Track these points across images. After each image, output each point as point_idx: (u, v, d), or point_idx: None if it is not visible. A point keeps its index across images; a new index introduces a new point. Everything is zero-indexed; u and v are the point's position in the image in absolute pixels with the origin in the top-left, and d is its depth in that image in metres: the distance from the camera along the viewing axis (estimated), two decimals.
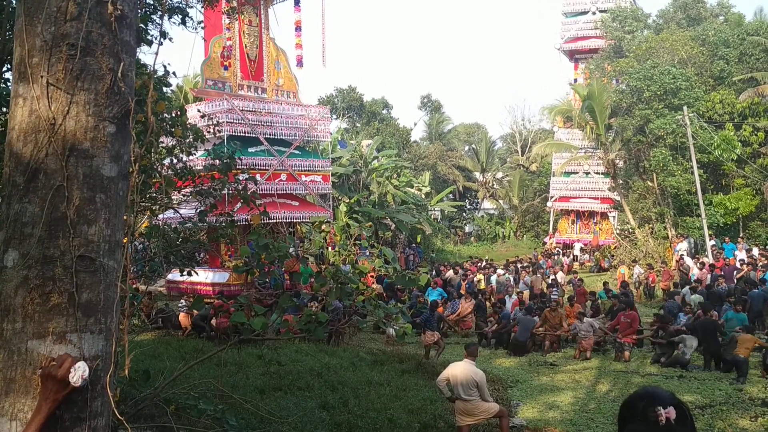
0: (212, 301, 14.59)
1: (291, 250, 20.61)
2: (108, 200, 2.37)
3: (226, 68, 20.97)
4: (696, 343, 13.55)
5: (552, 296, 20.31)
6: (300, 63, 22.39)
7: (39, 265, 2.24)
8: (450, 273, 25.07)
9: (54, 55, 2.28)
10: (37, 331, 2.24)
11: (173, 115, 7.45)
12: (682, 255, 24.59)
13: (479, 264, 29.19)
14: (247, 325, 5.55)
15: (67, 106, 2.28)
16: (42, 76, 2.26)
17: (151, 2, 6.85)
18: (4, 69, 6.40)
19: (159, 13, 6.66)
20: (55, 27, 2.28)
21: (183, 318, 16.40)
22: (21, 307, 2.23)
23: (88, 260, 2.30)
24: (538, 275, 24.34)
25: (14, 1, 6.40)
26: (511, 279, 23.97)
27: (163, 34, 6.20)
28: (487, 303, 20.57)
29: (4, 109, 6.08)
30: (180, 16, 7.33)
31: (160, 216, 10.36)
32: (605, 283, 20.98)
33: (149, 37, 6.92)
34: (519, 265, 27.73)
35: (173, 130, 7.22)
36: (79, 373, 2.20)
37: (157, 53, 3.07)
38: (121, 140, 2.42)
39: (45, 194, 2.26)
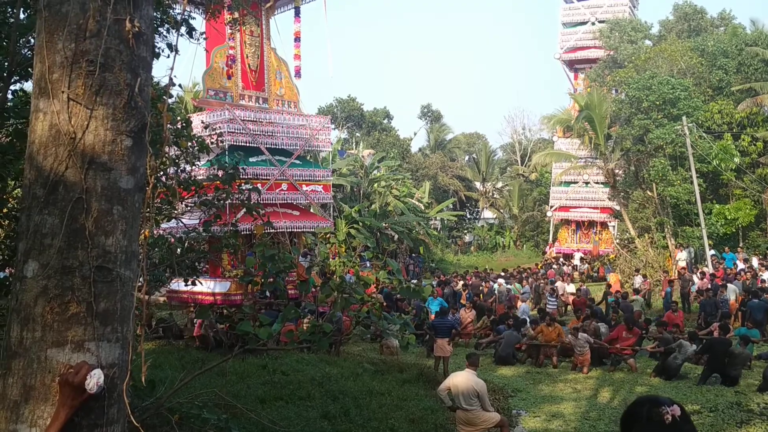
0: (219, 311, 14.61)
1: (305, 260, 20.62)
2: (125, 212, 2.43)
3: (230, 77, 21.08)
4: (691, 350, 13.53)
5: (548, 307, 20.28)
6: (298, 74, 22.50)
7: (58, 275, 2.30)
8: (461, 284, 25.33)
9: (74, 71, 2.34)
10: (56, 339, 2.29)
11: (179, 126, 7.52)
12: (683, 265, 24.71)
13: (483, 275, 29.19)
14: (252, 335, 5.59)
15: (87, 120, 2.35)
16: (63, 92, 2.33)
17: (158, 15, 6.93)
18: (12, 80, 6.46)
19: (167, 26, 6.74)
20: (75, 44, 2.35)
21: (197, 331, 16.42)
22: (40, 316, 2.29)
23: (106, 270, 2.36)
24: (543, 283, 24.43)
25: (21, 14, 6.47)
26: (512, 289, 23.95)
27: (171, 47, 6.28)
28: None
29: (12, 121, 6.14)
30: (186, 28, 7.44)
31: (163, 225, 10.41)
32: (607, 293, 21.05)
33: (156, 50, 6.99)
34: (523, 275, 27.77)
35: (178, 141, 7.30)
36: (94, 380, 2.26)
37: (172, 68, 3.12)
38: (137, 153, 2.49)
39: (64, 206, 2.32)
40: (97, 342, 2.33)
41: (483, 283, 25.39)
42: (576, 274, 31.69)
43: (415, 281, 26.00)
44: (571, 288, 23.86)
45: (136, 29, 2.43)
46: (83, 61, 2.35)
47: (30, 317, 2.30)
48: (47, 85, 2.35)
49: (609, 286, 23.34)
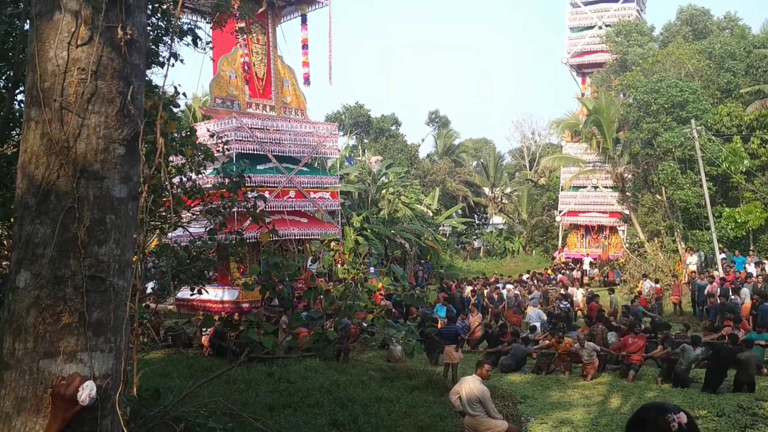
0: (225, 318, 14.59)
1: (314, 267, 20.56)
2: (118, 221, 2.41)
3: (248, 82, 21.21)
4: (694, 355, 13.34)
5: (561, 305, 20.33)
6: (307, 81, 22.55)
7: (50, 285, 2.28)
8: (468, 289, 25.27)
9: (66, 79, 2.32)
10: (49, 350, 2.27)
11: (183, 134, 7.53)
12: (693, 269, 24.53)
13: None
14: (257, 343, 5.55)
15: (79, 129, 2.33)
16: (55, 100, 2.31)
17: (163, 24, 6.94)
18: (18, 91, 6.48)
19: (170, 35, 6.75)
20: (67, 52, 2.33)
21: (206, 341, 16.48)
22: (32, 326, 2.27)
23: (99, 280, 2.33)
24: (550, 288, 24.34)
25: (27, 25, 6.50)
26: (520, 294, 23.85)
27: (174, 56, 6.29)
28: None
29: (18, 131, 6.16)
30: (191, 37, 7.43)
31: (170, 234, 10.41)
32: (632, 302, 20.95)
33: (161, 59, 7.01)
34: (534, 280, 27.67)
35: (183, 149, 7.29)
36: (86, 391, 2.23)
37: (165, 75, 3.14)
38: (130, 162, 2.47)
39: (56, 215, 2.30)
40: (89, 352, 2.31)
41: (493, 290, 25.30)
42: (585, 279, 31.54)
43: (421, 288, 26.01)
44: (579, 294, 23.72)
45: (129, 37, 2.42)
46: (75, 69, 2.33)
47: (22, 328, 2.27)
48: (39, 93, 2.33)
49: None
